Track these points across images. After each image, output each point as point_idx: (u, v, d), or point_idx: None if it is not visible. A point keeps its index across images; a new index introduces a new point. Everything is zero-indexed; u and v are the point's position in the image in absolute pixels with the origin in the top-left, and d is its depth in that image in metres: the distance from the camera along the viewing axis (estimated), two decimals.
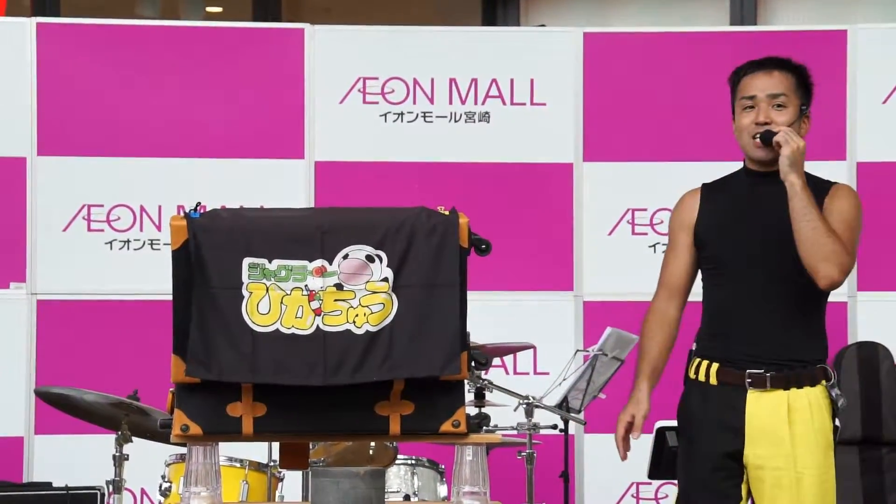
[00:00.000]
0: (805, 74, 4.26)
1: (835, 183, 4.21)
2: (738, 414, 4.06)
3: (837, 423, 4.16)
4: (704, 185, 4.28)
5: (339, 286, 3.60)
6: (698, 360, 4.16)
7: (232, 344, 3.57)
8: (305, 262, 3.61)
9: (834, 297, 7.01)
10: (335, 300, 3.60)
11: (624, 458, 4.20)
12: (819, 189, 4.15)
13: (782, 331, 4.09)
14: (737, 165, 4.42)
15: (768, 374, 4.06)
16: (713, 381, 4.10)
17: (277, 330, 3.59)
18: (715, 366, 4.11)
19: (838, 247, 4.01)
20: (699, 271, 4.26)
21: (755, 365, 4.07)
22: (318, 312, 3.59)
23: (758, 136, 4.13)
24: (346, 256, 3.62)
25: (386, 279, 3.61)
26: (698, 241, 4.19)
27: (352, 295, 3.60)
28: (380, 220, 3.65)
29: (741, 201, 4.16)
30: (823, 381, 4.11)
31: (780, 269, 4.08)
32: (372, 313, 3.60)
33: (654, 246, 6.88)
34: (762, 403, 4.06)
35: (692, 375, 4.17)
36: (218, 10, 9.22)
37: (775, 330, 4.08)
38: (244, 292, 3.59)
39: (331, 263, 3.62)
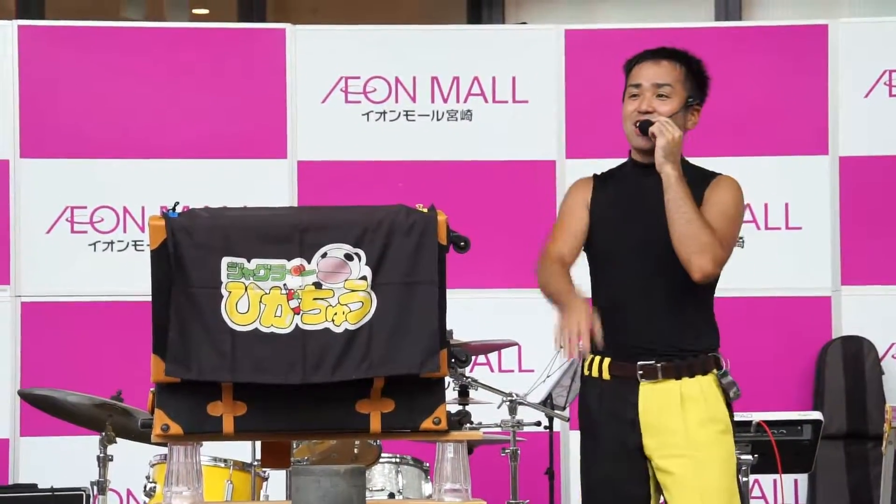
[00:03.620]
0: (698, 68, 4.20)
1: (719, 174, 4.18)
2: (632, 407, 4.04)
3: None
4: (596, 176, 4.24)
5: (317, 285, 3.61)
6: (591, 356, 4.11)
7: (211, 343, 3.57)
8: (284, 262, 3.62)
9: (818, 291, 7.13)
10: (314, 299, 3.60)
11: (601, 342, 3.94)
12: (701, 180, 4.14)
13: (671, 322, 4.07)
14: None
15: (659, 365, 4.04)
16: (605, 375, 4.08)
17: (256, 329, 3.59)
18: (607, 360, 4.08)
19: (712, 239, 3.98)
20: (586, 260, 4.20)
21: (646, 356, 4.05)
22: (296, 311, 3.60)
23: (637, 123, 4.11)
24: (324, 255, 3.62)
25: (364, 277, 3.62)
26: (592, 230, 4.13)
27: (330, 293, 3.60)
28: (358, 218, 3.66)
29: (626, 194, 4.13)
30: (714, 371, 4.10)
31: (665, 260, 4.04)
32: (351, 311, 3.60)
33: None
34: (654, 395, 4.04)
35: (587, 372, 4.14)
36: (204, 11, 9.21)
37: (664, 321, 4.06)
38: (223, 291, 3.59)
39: (309, 262, 3.62)
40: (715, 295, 4.20)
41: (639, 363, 4.05)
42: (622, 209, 4.12)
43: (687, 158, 4.19)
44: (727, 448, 4.07)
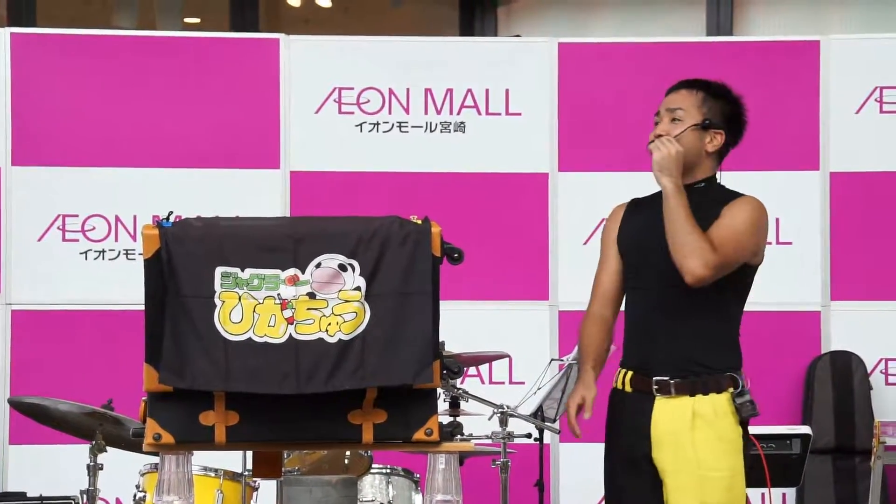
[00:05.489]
0: (718, 90, 4.39)
1: (742, 195, 4.33)
2: (646, 420, 4.21)
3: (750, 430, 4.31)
4: (633, 200, 4.44)
5: (311, 295, 3.61)
6: (620, 369, 4.33)
7: (204, 352, 3.57)
8: (278, 271, 3.62)
9: (807, 306, 7.14)
10: (308, 309, 3.60)
11: (580, 435, 4.29)
12: (724, 199, 4.29)
13: (689, 339, 4.22)
14: None
15: (672, 381, 4.19)
16: (628, 388, 4.26)
17: (250, 339, 3.59)
18: (629, 374, 4.26)
19: (703, 244, 4.12)
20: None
21: (662, 372, 4.21)
22: (290, 321, 3.60)
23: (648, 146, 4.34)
24: (318, 265, 3.63)
25: (358, 288, 3.62)
26: (621, 253, 4.35)
27: (324, 304, 3.61)
28: (352, 228, 3.66)
29: (654, 216, 4.29)
30: (730, 389, 4.22)
31: (682, 279, 4.18)
32: (344, 322, 3.60)
33: None
34: (667, 409, 4.20)
35: (616, 385, 4.33)
36: (196, 20, 9.21)
37: (682, 338, 4.22)
38: (217, 301, 3.60)
39: (303, 272, 3.62)
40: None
41: (654, 378, 4.21)
42: (648, 230, 4.28)
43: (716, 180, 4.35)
44: (731, 467, 4.18)
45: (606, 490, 4.32)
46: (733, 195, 4.31)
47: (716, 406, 4.18)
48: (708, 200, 4.25)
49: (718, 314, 4.23)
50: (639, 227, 4.32)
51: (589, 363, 4.34)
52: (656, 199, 4.33)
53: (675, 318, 4.20)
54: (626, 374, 4.27)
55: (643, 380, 4.23)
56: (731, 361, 4.25)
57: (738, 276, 4.23)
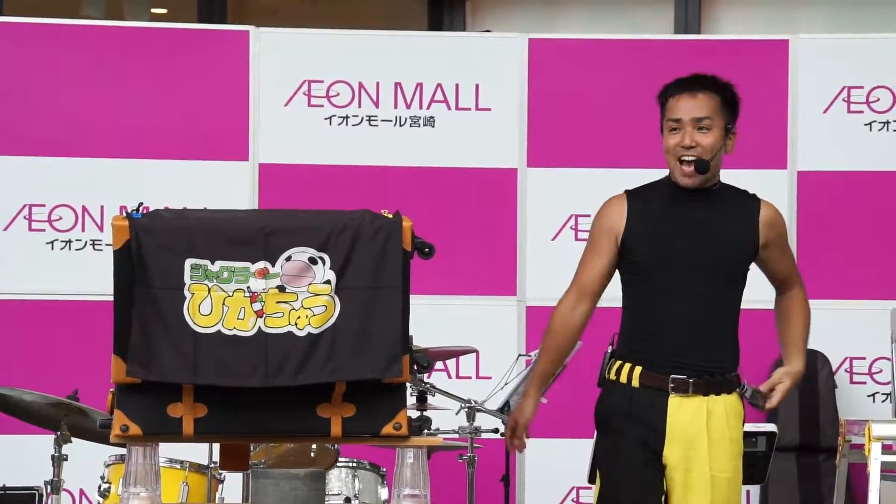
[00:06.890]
0: (730, 93, 4.33)
1: (757, 199, 4.32)
2: (659, 416, 4.17)
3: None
4: (629, 192, 4.32)
5: (281, 288, 3.61)
6: (619, 362, 4.23)
7: (173, 344, 3.57)
8: (248, 264, 3.62)
9: (773, 304, 7.13)
10: (277, 302, 3.60)
11: (520, 451, 4.36)
12: (738, 199, 4.28)
13: (705, 339, 4.21)
14: None
15: (690, 380, 4.18)
16: (635, 383, 4.19)
17: (219, 331, 3.59)
18: (638, 369, 4.19)
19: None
20: (615, 276, 4.33)
21: (678, 370, 4.18)
22: (259, 314, 3.60)
23: (693, 163, 4.18)
24: (289, 258, 3.63)
25: (328, 281, 3.63)
26: (625, 248, 4.24)
27: (294, 297, 3.61)
28: (323, 222, 3.66)
29: (671, 213, 4.24)
30: (737, 390, 4.26)
31: (706, 280, 4.20)
32: (314, 315, 3.60)
33: None
34: (683, 408, 4.18)
35: (612, 377, 4.24)
36: (162, 11, 9.18)
37: (699, 338, 4.20)
38: (186, 293, 3.59)
39: (273, 265, 3.62)
40: None
41: (671, 376, 4.17)
42: (666, 227, 4.22)
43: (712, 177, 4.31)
44: (736, 468, 4.23)
45: (610, 476, 4.22)
46: (744, 194, 4.30)
47: (727, 406, 4.20)
48: (727, 203, 4.25)
49: (728, 316, 4.26)
50: (653, 222, 4.22)
51: (537, 383, 4.30)
52: (658, 191, 4.26)
53: (693, 318, 4.17)
54: (632, 368, 4.19)
55: (657, 377, 4.17)
56: (736, 362, 4.28)
57: (745, 278, 4.28)
